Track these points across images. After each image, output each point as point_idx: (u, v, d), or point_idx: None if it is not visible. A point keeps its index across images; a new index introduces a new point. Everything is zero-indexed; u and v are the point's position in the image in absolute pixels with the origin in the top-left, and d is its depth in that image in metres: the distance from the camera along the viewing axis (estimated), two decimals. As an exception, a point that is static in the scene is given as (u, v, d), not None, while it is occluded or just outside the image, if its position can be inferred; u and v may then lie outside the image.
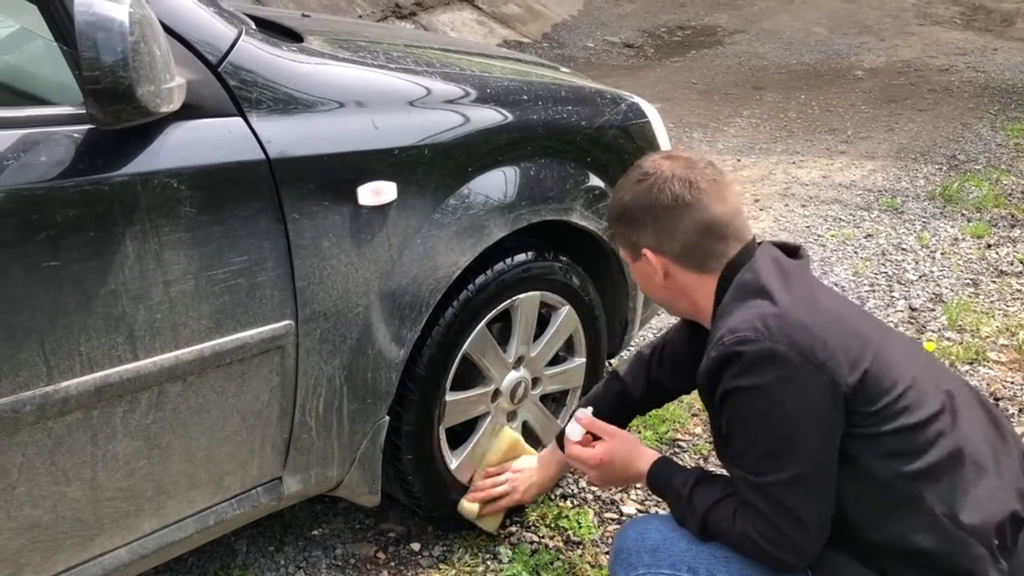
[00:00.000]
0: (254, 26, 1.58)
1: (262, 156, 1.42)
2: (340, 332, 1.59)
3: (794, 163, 5.03)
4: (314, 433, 1.64)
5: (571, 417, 1.74)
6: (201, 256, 1.37)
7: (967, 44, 8.18)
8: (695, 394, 1.86)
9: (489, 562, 1.97)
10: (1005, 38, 8.48)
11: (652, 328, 3.02)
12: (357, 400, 1.68)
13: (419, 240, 1.66)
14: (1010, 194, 4.48)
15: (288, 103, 1.49)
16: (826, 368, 1.30)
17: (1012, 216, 4.18)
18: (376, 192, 1.57)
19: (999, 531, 1.33)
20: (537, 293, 1.94)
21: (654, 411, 2.13)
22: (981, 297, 3.36)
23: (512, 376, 1.97)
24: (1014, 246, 3.83)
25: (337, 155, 1.53)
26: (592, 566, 1.96)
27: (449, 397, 1.85)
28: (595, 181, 2.01)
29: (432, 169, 1.67)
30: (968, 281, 3.49)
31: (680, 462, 2.27)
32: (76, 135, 1.26)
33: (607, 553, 1.98)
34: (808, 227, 4.05)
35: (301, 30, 1.85)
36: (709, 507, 1.42)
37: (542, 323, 2.02)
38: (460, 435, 1.96)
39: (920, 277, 3.52)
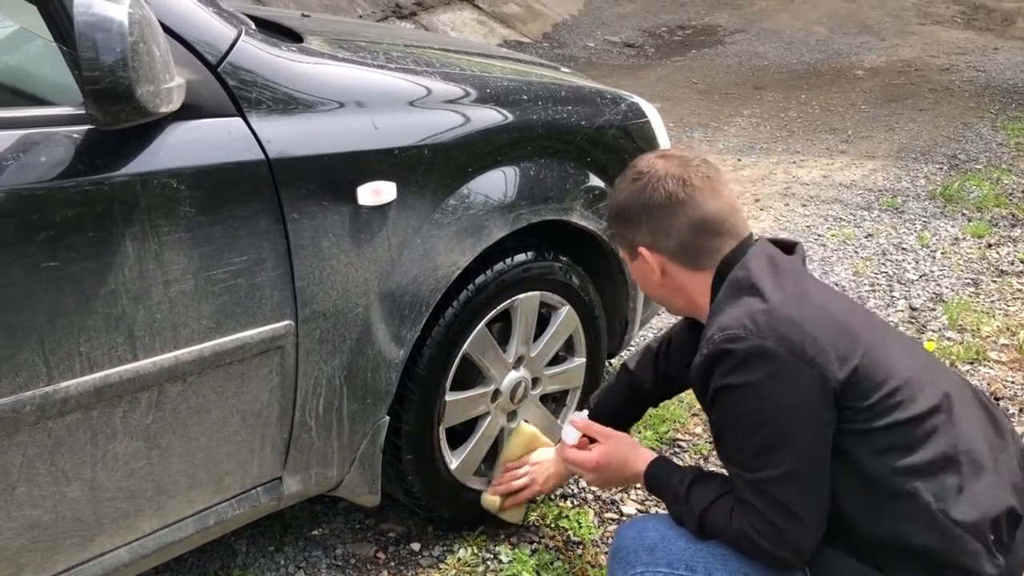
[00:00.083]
0: (254, 26, 1.58)
1: (261, 156, 1.43)
2: (340, 332, 1.59)
3: (794, 163, 5.03)
4: (314, 433, 1.64)
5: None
6: (201, 256, 1.37)
7: (968, 43, 8.18)
8: (696, 392, 1.86)
9: (489, 562, 1.97)
10: (1006, 37, 8.48)
11: (652, 328, 3.02)
12: (357, 400, 1.68)
13: (419, 240, 1.66)
14: (1011, 193, 4.48)
15: (288, 103, 1.49)
16: (815, 363, 1.30)
17: (1013, 216, 4.17)
18: (376, 192, 1.57)
19: (995, 527, 1.33)
20: (537, 293, 1.94)
21: (654, 411, 2.13)
22: (981, 297, 3.35)
23: (512, 376, 1.97)
24: (1015, 245, 3.83)
25: (337, 155, 1.53)
26: (592, 566, 1.96)
27: (449, 397, 1.85)
28: (595, 181, 2.01)
29: (432, 169, 1.67)
30: (968, 281, 3.49)
31: (680, 462, 2.28)
32: (76, 135, 1.26)
33: (607, 553, 1.98)
34: (808, 227, 4.05)
35: (301, 30, 1.85)
36: (706, 506, 1.42)
37: (542, 323, 2.02)
38: (460, 435, 1.96)
39: (920, 277, 3.52)
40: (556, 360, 2.11)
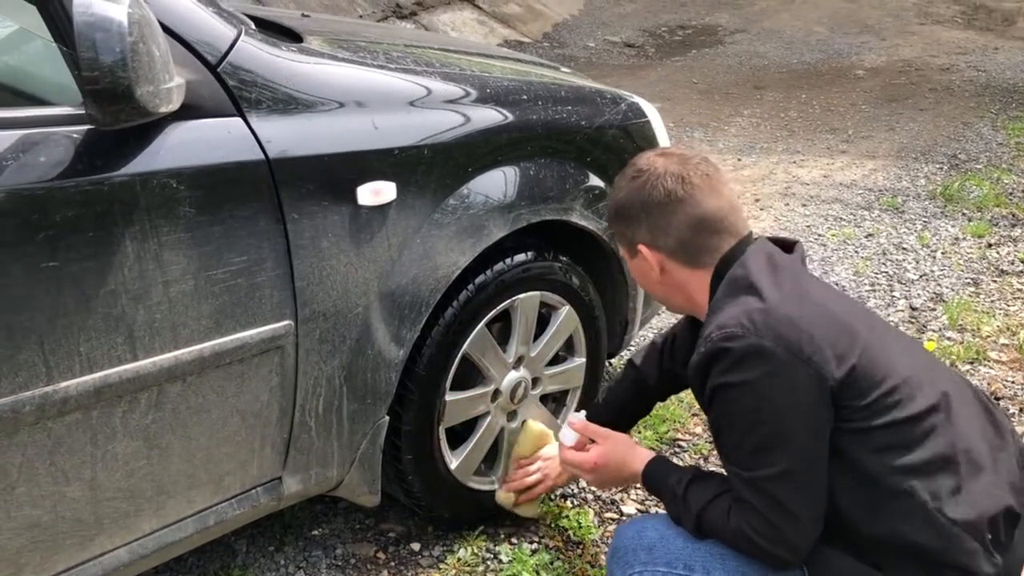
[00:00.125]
0: (253, 26, 1.58)
1: (261, 156, 1.42)
2: (340, 332, 1.59)
3: (795, 162, 5.03)
4: (314, 433, 1.64)
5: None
6: (200, 256, 1.37)
7: (968, 43, 8.18)
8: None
9: (489, 562, 1.97)
10: (1006, 37, 8.48)
11: (652, 327, 3.02)
12: (357, 400, 1.68)
13: (419, 240, 1.66)
14: (1011, 193, 4.47)
15: (287, 103, 1.49)
16: (812, 362, 1.30)
17: (1013, 215, 4.17)
18: (375, 192, 1.57)
19: (992, 526, 1.34)
20: (537, 293, 1.94)
21: (654, 411, 2.13)
22: (982, 296, 3.35)
23: (512, 376, 1.97)
24: (1015, 245, 3.83)
25: (336, 155, 1.53)
26: (592, 566, 1.96)
27: (449, 397, 1.85)
28: (595, 181, 2.01)
29: (432, 169, 1.66)
30: (969, 280, 3.49)
31: (680, 462, 2.28)
32: (75, 135, 1.26)
33: (607, 553, 1.98)
34: (809, 226, 4.04)
35: (301, 30, 1.85)
36: (704, 505, 1.43)
37: (542, 323, 2.02)
38: (460, 435, 1.96)
39: (921, 276, 3.52)
40: (556, 360, 2.11)
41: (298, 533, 2.04)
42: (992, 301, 3.31)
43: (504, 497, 2.00)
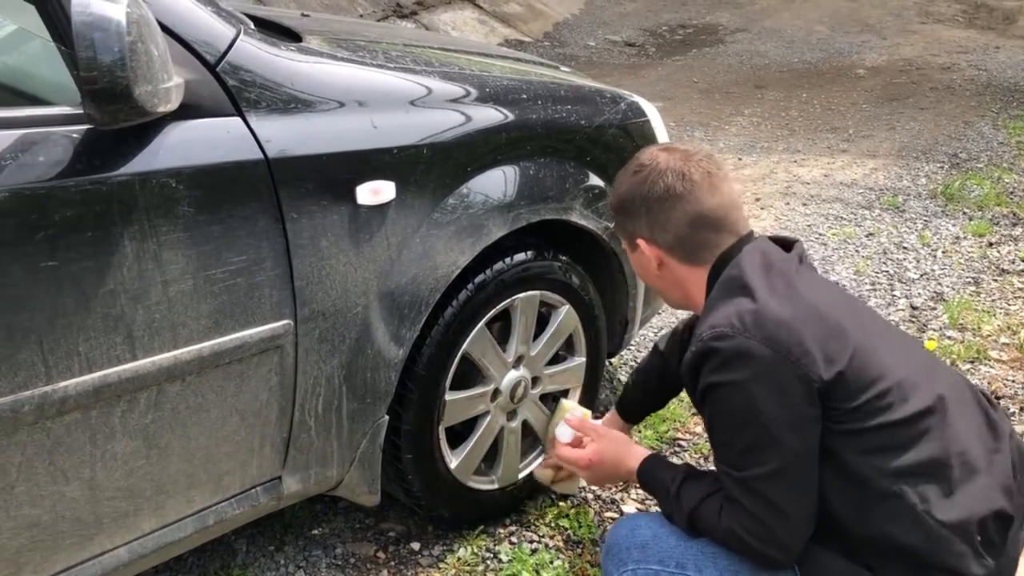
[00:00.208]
0: (253, 26, 1.58)
1: (260, 156, 1.42)
2: (339, 332, 1.59)
3: (795, 162, 5.03)
4: (313, 432, 1.64)
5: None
6: (199, 256, 1.37)
7: (969, 42, 8.17)
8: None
9: (489, 561, 1.97)
10: (1007, 36, 8.47)
11: (652, 327, 3.02)
12: (356, 399, 1.68)
13: (418, 239, 1.66)
14: (1012, 192, 4.47)
15: (287, 103, 1.49)
16: (801, 364, 1.31)
17: (1014, 214, 4.17)
18: (375, 191, 1.57)
19: (981, 528, 1.33)
20: (537, 292, 1.94)
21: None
22: (982, 296, 3.35)
23: (512, 375, 1.97)
24: (1015, 244, 3.83)
25: (336, 154, 1.53)
26: (592, 566, 1.96)
27: (449, 396, 1.85)
28: (595, 180, 2.01)
29: (431, 168, 1.66)
30: (969, 280, 3.49)
31: (680, 461, 2.28)
32: (74, 135, 1.26)
33: (601, 550, 1.98)
34: (809, 226, 4.04)
35: (300, 29, 1.85)
36: (696, 503, 1.43)
37: (542, 322, 2.02)
38: (460, 434, 1.96)
39: (921, 276, 3.51)
40: (556, 359, 2.11)
41: (298, 532, 2.04)
42: (993, 300, 3.31)
43: (542, 474, 2.04)
